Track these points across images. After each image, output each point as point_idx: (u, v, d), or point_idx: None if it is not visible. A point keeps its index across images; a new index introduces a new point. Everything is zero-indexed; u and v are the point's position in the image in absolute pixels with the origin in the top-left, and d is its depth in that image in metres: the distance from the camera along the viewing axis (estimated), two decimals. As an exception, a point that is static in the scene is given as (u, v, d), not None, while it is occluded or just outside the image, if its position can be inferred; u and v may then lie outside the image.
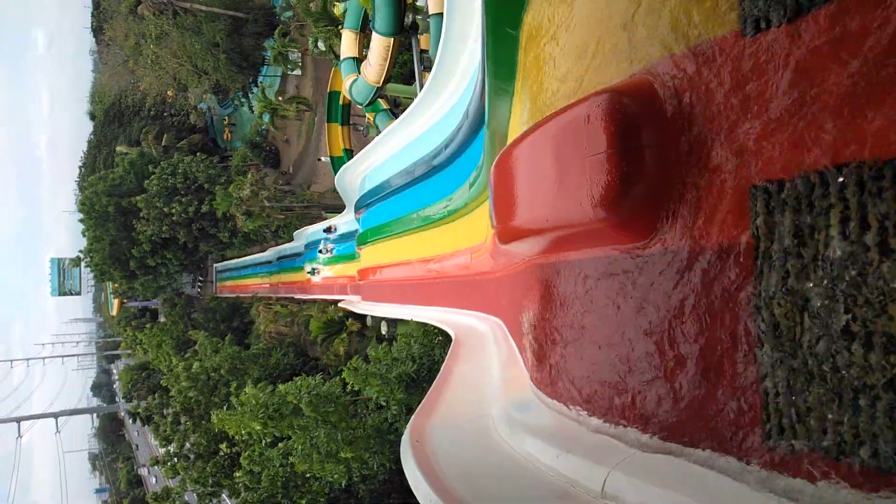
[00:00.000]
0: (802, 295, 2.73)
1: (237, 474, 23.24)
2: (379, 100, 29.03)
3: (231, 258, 60.39)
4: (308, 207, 43.67)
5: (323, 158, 44.90)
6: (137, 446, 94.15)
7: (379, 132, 26.48)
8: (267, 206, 41.93)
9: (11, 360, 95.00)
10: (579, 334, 4.91)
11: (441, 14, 14.54)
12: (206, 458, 29.24)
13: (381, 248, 22.91)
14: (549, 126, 4.58)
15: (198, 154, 52.98)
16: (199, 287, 72.95)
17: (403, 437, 5.68)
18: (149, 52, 52.89)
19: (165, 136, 63.65)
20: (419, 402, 7.49)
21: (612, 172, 3.70)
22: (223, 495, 28.78)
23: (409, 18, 22.81)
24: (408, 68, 28.68)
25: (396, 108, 31.84)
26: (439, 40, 13.71)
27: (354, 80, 25.66)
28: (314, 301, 39.46)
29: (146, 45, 53.37)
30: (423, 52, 24.14)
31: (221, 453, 28.50)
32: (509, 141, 7.06)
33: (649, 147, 3.68)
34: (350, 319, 33.62)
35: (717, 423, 3.21)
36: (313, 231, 38.11)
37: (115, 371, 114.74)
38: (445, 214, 14.99)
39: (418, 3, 23.13)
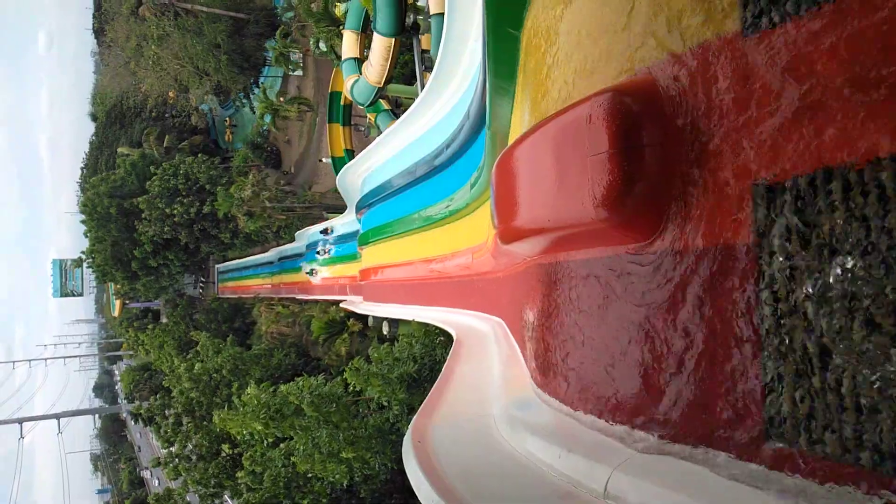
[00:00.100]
0: (805, 295, 2.73)
1: (239, 475, 23.26)
2: (380, 100, 29.04)
3: (232, 259, 60.44)
4: (309, 208, 43.70)
5: (324, 159, 44.92)
6: (140, 448, 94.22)
7: (380, 132, 26.49)
8: (268, 206, 41.96)
9: (14, 362, 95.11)
10: (580, 334, 4.91)
11: (442, 14, 14.54)
12: (209, 459, 29.28)
13: (383, 249, 22.91)
14: (550, 126, 4.57)
15: (199, 155, 53.02)
16: (201, 288, 73.00)
17: (405, 438, 5.68)
18: (150, 53, 53.00)
19: (167, 137, 63.72)
20: (421, 402, 7.49)
21: (613, 172, 3.69)
22: (225, 496, 28.80)
23: (410, 19, 22.82)
24: (409, 68, 28.71)
25: (398, 109, 31.85)
26: (440, 40, 13.72)
27: (356, 81, 25.68)
28: (316, 301, 39.49)
29: (147, 47, 53.49)
30: (424, 52, 24.16)
31: (223, 454, 28.52)
32: (510, 141, 7.06)
33: (651, 146, 3.67)
34: (352, 320, 33.66)
35: (719, 423, 3.21)
36: (314, 231, 38.18)
37: (116, 372, 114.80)
38: (447, 214, 14.99)
39: (419, 4, 23.15)
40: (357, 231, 29.77)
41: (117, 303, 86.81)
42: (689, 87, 3.46)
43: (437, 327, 17.20)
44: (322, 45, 37.26)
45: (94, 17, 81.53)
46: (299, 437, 19.54)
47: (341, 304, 30.88)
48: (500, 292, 9.99)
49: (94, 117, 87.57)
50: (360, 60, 25.89)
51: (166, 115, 70.55)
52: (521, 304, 7.18)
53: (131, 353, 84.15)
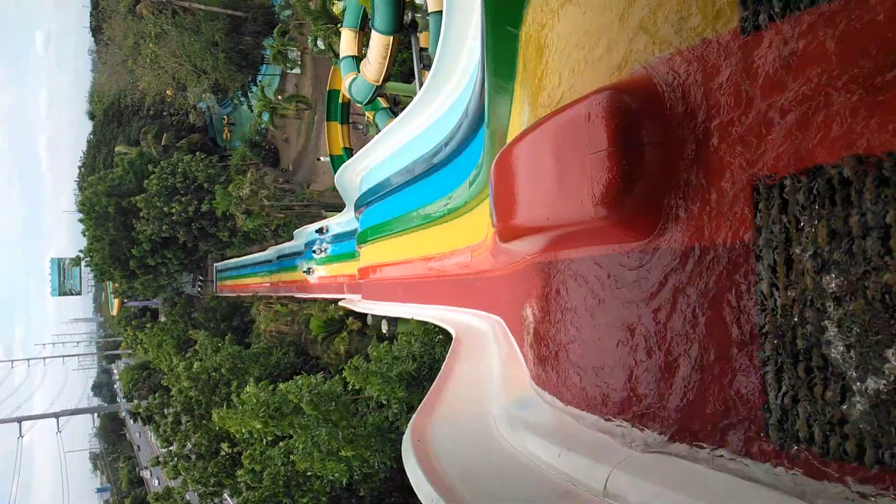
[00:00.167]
0: (805, 292, 2.72)
1: (239, 473, 23.25)
2: (378, 98, 28.99)
3: (231, 257, 60.34)
4: (308, 206, 43.63)
5: (322, 158, 44.87)
6: (139, 447, 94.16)
7: (378, 131, 26.45)
8: (266, 204, 41.89)
9: (12, 361, 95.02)
10: (580, 332, 4.90)
11: (440, 12, 14.52)
12: (208, 458, 29.26)
13: (382, 247, 22.89)
14: (549, 124, 4.56)
15: (197, 153, 52.92)
16: (200, 286, 72.90)
17: (405, 436, 5.67)
18: (148, 51, 52.88)
19: (165, 135, 63.60)
20: (420, 401, 7.48)
21: (612, 170, 3.69)
22: (224, 494, 28.79)
23: (408, 16, 22.77)
24: (407, 66, 28.65)
25: (396, 107, 31.82)
26: (439, 38, 13.69)
27: (354, 79, 25.62)
28: (315, 300, 39.47)
29: (145, 45, 53.37)
30: (422, 50, 24.10)
31: (223, 453, 28.51)
32: (509, 139, 7.05)
33: (650, 144, 3.67)
34: (350, 318, 33.62)
35: (719, 422, 3.20)
36: (313, 230, 38.19)
37: (115, 371, 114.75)
38: (445, 213, 14.97)
39: (417, 1, 23.09)
40: (353, 230, 29.79)
41: (116, 301, 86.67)
42: (688, 86, 3.45)
43: (436, 326, 17.19)
44: (320, 43, 37.18)
45: (91, 15, 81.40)
46: (298, 436, 19.53)
47: (340, 303, 30.86)
48: (499, 291, 9.98)
49: (92, 116, 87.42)
50: (358, 58, 25.83)
51: (164, 114, 70.40)
52: (520, 302, 7.18)
53: (130, 351, 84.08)
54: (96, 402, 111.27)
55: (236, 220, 44.83)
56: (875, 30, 2.43)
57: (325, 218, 38.00)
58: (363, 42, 25.58)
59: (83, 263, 62.95)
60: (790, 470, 2.78)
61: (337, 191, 30.46)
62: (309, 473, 20.20)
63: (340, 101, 39.28)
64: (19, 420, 52.22)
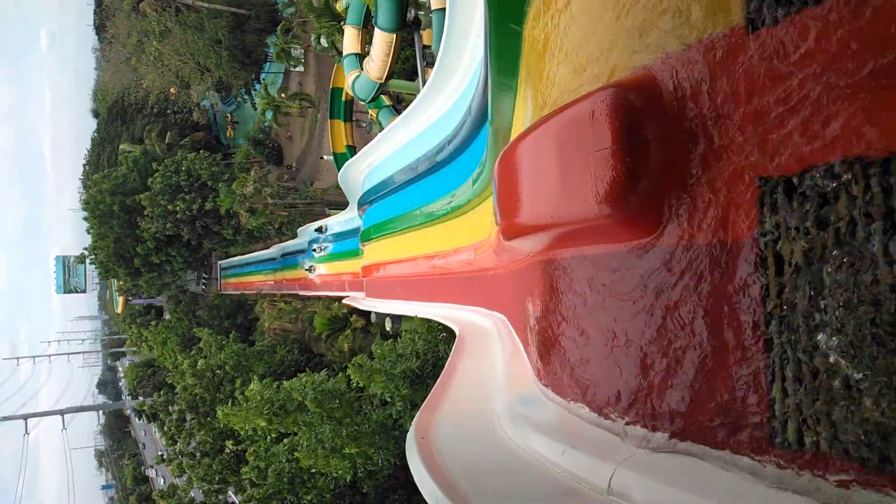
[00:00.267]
0: (812, 291, 2.72)
1: (244, 470, 23.31)
2: (382, 96, 29.00)
3: (235, 255, 60.46)
4: (311, 204, 43.67)
5: (325, 156, 44.90)
6: (144, 445, 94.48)
7: (382, 128, 26.46)
8: (270, 202, 41.93)
9: (18, 358, 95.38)
10: (583, 330, 4.90)
11: (443, 9, 14.50)
12: (212, 456, 29.35)
13: (385, 245, 22.91)
14: (553, 122, 4.55)
15: (201, 151, 53.00)
16: (204, 284, 73.05)
17: (409, 434, 5.68)
18: (151, 49, 52.93)
19: (168, 133, 63.70)
20: (424, 398, 7.49)
21: (617, 168, 3.68)
22: (229, 492, 28.88)
23: (411, 14, 22.77)
24: (410, 64, 28.65)
25: (399, 105, 31.82)
26: (442, 36, 13.68)
27: (357, 77, 25.63)
28: (318, 298, 39.55)
29: (149, 43, 53.42)
30: (425, 47, 24.11)
31: (227, 450, 28.58)
32: (513, 137, 7.04)
33: (654, 142, 3.66)
34: (354, 316, 33.67)
35: (724, 420, 3.20)
36: (311, 229, 38.43)
37: (120, 368, 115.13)
38: (449, 211, 14.98)
39: (420, -1, 23.09)
40: (354, 228, 29.88)
41: (120, 299, 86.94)
42: (693, 83, 3.44)
43: (439, 323, 17.21)
44: (323, 41, 37.20)
45: (95, 13, 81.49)
46: (303, 433, 19.57)
47: (344, 301, 30.92)
48: (503, 288, 9.98)
49: (96, 114, 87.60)
50: (361, 56, 25.83)
51: (168, 112, 70.50)
52: (523, 300, 7.18)
53: (134, 349, 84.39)
54: (101, 399, 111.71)
55: (240, 217, 44.89)
56: (888, 26, 2.41)
57: (329, 216, 38.11)
58: (366, 39, 25.57)
59: (88, 261, 63.05)
60: (796, 470, 2.77)
61: (340, 189, 30.50)
62: (313, 470, 20.25)
63: (344, 98, 39.30)
64: (25, 417, 52.39)
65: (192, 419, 32.71)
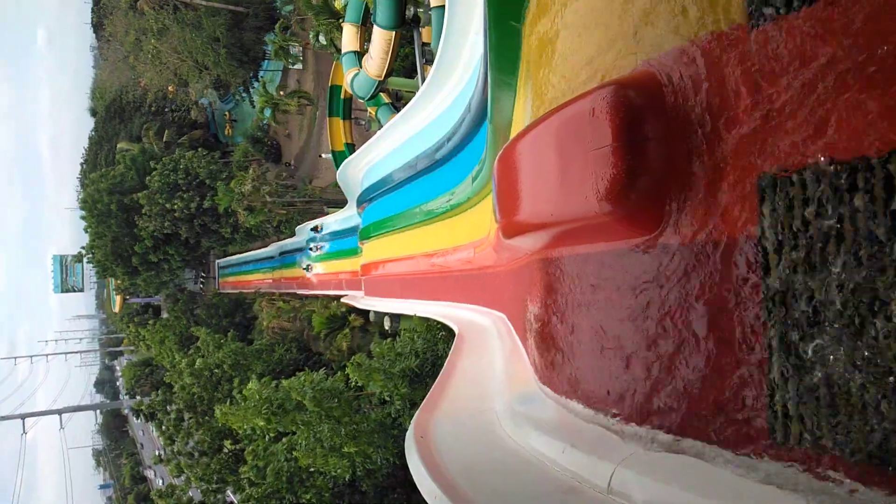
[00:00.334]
0: (811, 288, 2.71)
1: (243, 469, 23.31)
2: (381, 94, 28.96)
3: (233, 254, 60.44)
4: (310, 202, 43.66)
5: (324, 155, 44.88)
6: (142, 445, 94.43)
7: (381, 126, 26.44)
8: (268, 201, 41.92)
9: (15, 358, 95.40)
10: (583, 328, 4.89)
11: (443, 6, 14.47)
12: (211, 455, 29.34)
13: (384, 243, 22.91)
14: (553, 119, 4.54)
15: (199, 150, 52.95)
16: (202, 283, 73.03)
17: (408, 433, 5.67)
18: (149, 47, 52.90)
19: (166, 131, 63.65)
20: (423, 397, 7.48)
21: (617, 166, 3.67)
22: (227, 491, 28.88)
23: (410, 11, 22.73)
24: (409, 62, 28.63)
25: (398, 102, 31.79)
26: (441, 33, 13.66)
27: (356, 74, 25.59)
28: (317, 296, 39.57)
29: (146, 41, 53.39)
30: (424, 45, 24.08)
31: (226, 450, 28.59)
32: (512, 134, 7.03)
33: (654, 140, 3.64)
34: (353, 315, 33.66)
35: (724, 419, 3.19)
36: (308, 228, 38.53)
37: (118, 367, 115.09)
38: (448, 209, 14.97)
39: (419, -3, 23.07)
40: (351, 227, 29.92)
41: (118, 298, 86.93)
42: (693, 80, 3.43)
43: (438, 322, 17.20)
44: (322, 39, 37.15)
45: (92, 11, 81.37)
46: (301, 432, 19.57)
47: (342, 300, 30.92)
48: (503, 287, 9.97)
49: (94, 112, 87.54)
50: (360, 54, 25.79)
51: (166, 110, 70.45)
52: (523, 298, 7.17)
53: (132, 348, 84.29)
54: (99, 398, 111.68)
55: (238, 216, 44.88)
56: (888, 24, 2.40)
57: (328, 214, 38.14)
58: (365, 37, 25.52)
59: (85, 260, 63.03)
60: (795, 468, 2.77)
61: (339, 187, 30.48)
62: (312, 469, 20.25)
63: (342, 96, 39.26)
64: (22, 417, 52.39)
65: (190, 418, 32.72)
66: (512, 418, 5.59)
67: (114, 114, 74.97)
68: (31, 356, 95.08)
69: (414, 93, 19.77)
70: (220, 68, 51.71)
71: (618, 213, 3.84)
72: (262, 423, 20.64)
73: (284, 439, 21.48)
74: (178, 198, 48.92)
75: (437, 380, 8.16)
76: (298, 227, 40.93)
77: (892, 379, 2.36)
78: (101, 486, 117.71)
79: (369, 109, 34.28)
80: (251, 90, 57.34)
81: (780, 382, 2.87)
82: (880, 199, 2.40)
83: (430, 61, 21.02)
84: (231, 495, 28.92)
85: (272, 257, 50.71)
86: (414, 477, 4.76)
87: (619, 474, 3.55)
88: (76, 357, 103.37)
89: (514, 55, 6.47)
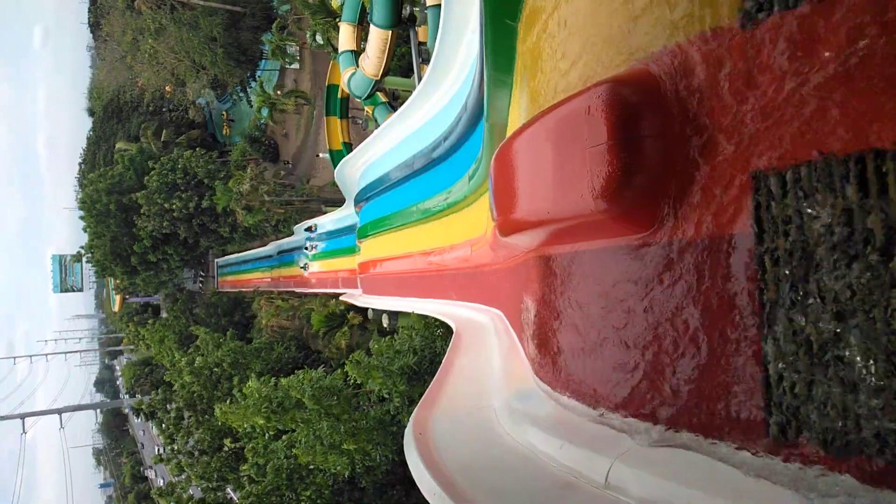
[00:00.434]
0: (807, 284, 2.73)
1: (243, 468, 23.34)
2: (377, 93, 28.94)
3: (232, 253, 60.43)
4: (308, 201, 43.66)
5: (321, 154, 44.86)
6: (143, 445, 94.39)
7: (378, 125, 26.44)
8: (267, 200, 41.91)
9: (14, 357, 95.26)
10: (580, 325, 4.91)
11: (439, 5, 14.49)
12: (211, 454, 29.36)
13: (382, 242, 22.92)
14: (549, 117, 4.56)
15: (197, 149, 52.87)
16: (201, 282, 73.00)
17: (406, 430, 5.70)
18: (146, 47, 52.79)
19: (164, 131, 63.56)
20: (421, 394, 7.50)
21: (613, 163, 3.69)
22: (228, 489, 28.91)
23: (406, 10, 22.72)
24: (406, 61, 28.60)
25: (395, 101, 31.79)
26: (437, 32, 13.66)
27: (353, 74, 25.57)
28: (316, 295, 39.62)
29: (144, 41, 53.28)
30: (421, 44, 24.07)
31: (226, 448, 28.61)
32: (509, 133, 7.05)
33: (650, 137, 3.67)
34: (351, 313, 33.67)
35: (721, 413, 3.21)
36: (303, 228, 38.71)
37: (117, 367, 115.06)
38: (445, 207, 14.98)
39: (415, -5, 23.05)
40: (347, 226, 29.96)
41: (117, 298, 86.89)
42: (688, 77, 3.45)
43: (436, 319, 17.22)
44: (319, 38, 37.10)
45: (89, 11, 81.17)
46: (301, 430, 19.60)
47: (341, 298, 30.94)
48: (500, 284, 9.99)
49: (91, 112, 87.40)
50: (356, 53, 25.77)
51: (163, 110, 70.34)
52: (520, 295, 7.19)
53: (132, 347, 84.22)
54: (99, 398, 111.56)
55: (237, 215, 44.85)
56: (884, 21, 2.42)
57: (325, 213, 38.20)
58: (362, 36, 25.51)
59: (84, 260, 62.96)
60: (793, 462, 2.79)
61: (337, 186, 30.49)
62: (311, 467, 20.29)
63: (339, 95, 39.26)
64: (22, 416, 52.34)
65: (190, 417, 32.73)
66: (510, 415, 5.61)
67: (111, 114, 74.85)
68: (31, 356, 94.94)
69: (411, 92, 19.78)
70: (217, 68, 51.63)
71: (613, 210, 3.86)
72: (261, 422, 20.67)
73: (284, 437, 21.51)
74: (177, 197, 48.89)
75: (435, 377, 8.18)
76: (296, 226, 40.95)
77: (890, 375, 2.38)
78: (102, 485, 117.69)
79: (366, 109, 34.27)
80: (248, 90, 57.25)
81: (776, 377, 2.89)
82: (874, 193, 2.42)
83: (426, 60, 21.04)
84: (231, 493, 28.96)
85: (270, 256, 50.72)
86: (413, 474, 4.78)
87: (616, 469, 3.57)
88: (76, 356, 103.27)
89: (510, 53, 6.49)
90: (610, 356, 4.32)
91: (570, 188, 4.17)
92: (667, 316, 3.66)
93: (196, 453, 30.53)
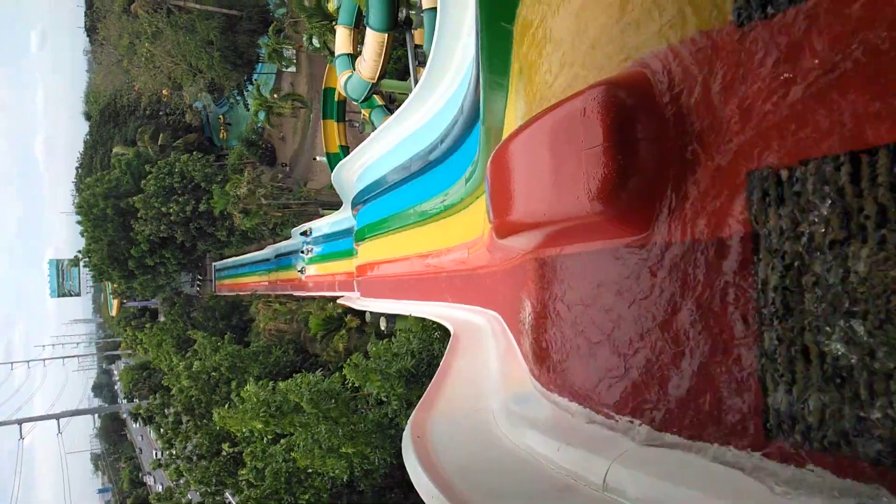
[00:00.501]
0: (801, 284, 2.74)
1: (242, 472, 23.29)
2: (374, 96, 28.98)
3: (229, 256, 60.33)
4: (305, 204, 43.63)
5: (318, 158, 44.87)
6: (141, 450, 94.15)
7: (374, 128, 26.46)
8: (264, 203, 41.86)
9: (12, 363, 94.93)
10: (577, 327, 4.91)
11: (435, 9, 14.52)
12: (209, 458, 29.29)
13: (379, 244, 22.92)
14: (545, 120, 4.57)
15: (194, 153, 52.83)
16: (198, 286, 72.88)
17: (404, 433, 5.69)
18: (143, 50, 52.81)
19: (161, 135, 63.51)
20: (419, 397, 7.50)
21: (608, 165, 3.69)
22: (226, 493, 28.84)
23: (402, 14, 22.76)
24: (402, 64, 28.62)
25: (392, 104, 31.80)
26: (433, 35, 13.68)
27: (349, 77, 25.60)
28: (313, 298, 39.60)
29: (140, 44, 53.32)
30: (417, 47, 24.10)
31: (224, 453, 28.54)
32: (505, 135, 7.05)
33: (645, 139, 3.67)
34: (349, 316, 33.66)
35: (718, 415, 3.22)
36: (298, 232, 38.86)
37: (115, 371, 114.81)
38: (442, 209, 14.99)
39: (412, -2, 23.08)
40: (344, 230, 30.01)
41: (115, 302, 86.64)
42: (683, 80, 3.46)
43: (434, 322, 17.22)
44: (315, 42, 37.11)
45: (85, 15, 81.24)
46: (299, 434, 19.57)
47: (339, 301, 30.92)
48: (497, 287, 10.00)
49: (88, 116, 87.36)
50: (353, 56, 25.81)
51: (160, 114, 70.32)
52: (517, 298, 7.19)
53: (130, 352, 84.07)
54: (97, 402, 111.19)
55: (234, 219, 44.79)
56: (876, 20, 2.43)
57: (323, 216, 38.25)
58: (358, 40, 25.55)
59: (82, 264, 62.86)
60: (791, 463, 2.79)
61: (334, 189, 30.50)
62: (310, 470, 20.25)
63: (336, 98, 39.30)
64: (20, 422, 52.19)
65: (189, 421, 32.66)
66: (507, 417, 5.61)
67: (108, 118, 74.81)
68: (28, 361, 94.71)
69: (407, 95, 19.79)
70: (213, 71, 51.66)
71: (609, 212, 3.87)
72: (260, 426, 20.63)
73: (283, 441, 21.47)
74: (174, 201, 48.83)
75: (433, 380, 8.17)
76: (294, 229, 40.95)
77: (887, 374, 2.38)
78: (100, 490, 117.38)
79: (363, 112, 34.29)
80: (245, 93, 57.27)
81: (773, 377, 2.90)
82: (869, 192, 2.43)
83: (422, 63, 21.04)
84: (230, 497, 28.89)
85: (268, 259, 50.67)
86: (411, 477, 4.78)
87: (613, 471, 3.57)
88: (73, 361, 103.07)
89: (506, 56, 6.50)
90: (606, 358, 4.32)
91: (566, 190, 4.18)
92: (662, 317, 3.67)
93: (194, 458, 30.45)
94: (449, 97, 14.84)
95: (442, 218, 15.13)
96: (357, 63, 24.64)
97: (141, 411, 41.61)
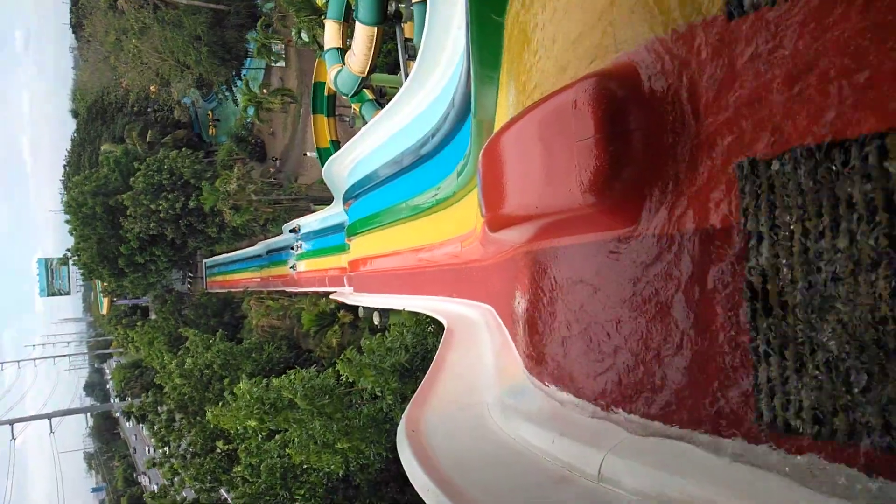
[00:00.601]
0: (794, 274, 2.75)
1: (236, 469, 23.27)
2: (364, 90, 28.88)
3: (220, 253, 60.14)
4: (296, 200, 43.50)
5: (309, 153, 44.72)
6: (135, 449, 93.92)
7: (365, 123, 26.38)
8: (254, 199, 41.72)
9: (2, 363, 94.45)
10: (571, 319, 4.93)
11: (424, 2, 14.46)
12: (203, 456, 29.26)
13: (371, 239, 22.88)
14: (536, 112, 4.57)
15: (183, 149, 52.56)
16: (189, 283, 72.62)
17: (399, 428, 5.70)
18: (130, 46, 52.42)
19: (150, 132, 63.10)
20: (414, 391, 7.51)
21: (600, 157, 3.70)
22: (221, 490, 28.83)
23: (392, 7, 22.68)
24: (392, 57, 28.54)
25: (382, 98, 31.72)
26: (423, 28, 13.64)
27: (339, 71, 25.49)
28: (305, 293, 39.55)
29: (127, 40, 52.92)
30: (407, 40, 24.03)
31: (218, 450, 28.51)
32: (496, 129, 7.05)
33: (637, 131, 3.68)
34: (342, 311, 33.62)
35: (711, 404, 3.23)
36: (303, 223, 38.61)
37: (107, 370, 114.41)
38: (434, 203, 14.96)
39: (401, -8, 23.00)
40: (334, 225, 29.95)
41: (105, 300, 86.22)
42: (674, 71, 3.46)
43: (427, 316, 17.22)
44: (304, 36, 36.92)
45: (71, 11, 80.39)
46: (294, 430, 19.55)
47: (332, 296, 30.87)
48: (490, 280, 10.01)
49: (76, 114, 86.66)
50: (342, 50, 25.68)
51: (148, 110, 69.83)
52: (510, 291, 7.20)
53: (121, 350, 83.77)
54: (89, 401, 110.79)
55: (224, 215, 44.61)
56: (864, 15, 2.44)
57: (314, 211, 38.16)
58: (347, 34, 25.43)
59: (71, 263, 62.49)
60: (785, 451, 2.81)
61: (325, 184, 30.40)
62: (305, 466, 20.24)
63: (326, 93, 39.17)
64: (11, 422, 51.98)
65: (182, 419, 32.61)
66: (502, 410, 5.63)
67: (96, 115, 74.22)
68: (19, 361, 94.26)
69: (398, 88, 19.74)
70: (202, 67, 51.32)
71: (602, 204, 3.87)
72: (254, 424, 20.59)
73: (277, 437, 21.45)
74: (163, 198, 48.58)
75: (427, 374, 8.18)
76: (285, 225, 40.84)
77: (876, 363, 2.40)
78: (94, 489, 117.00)
79: (353, 106, 34.19)
80: (234, 89, 56.95)
81: (767, 368, 2.91)
82: (858, 181, 2.44)
83: (412, 57, 20.98)
84: (225, 493, 28.88)
85: (259, 256, 50.52)
86: (406, 471, 4.79)
87: (608, 461, 3.59)
88: (65, 360, 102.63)
89: (497, 49, 6.49)
90: (599, 349, 4.33)
91: (558, 182, 4.18)
92: (655, 308, 3.68)
93: (188, 455, 30.41)
94: (440, 91, 14.80)
95: (434, 212, 15.11)
96: (347, 57, 24.54)
97: (133, 410, 41.47)
